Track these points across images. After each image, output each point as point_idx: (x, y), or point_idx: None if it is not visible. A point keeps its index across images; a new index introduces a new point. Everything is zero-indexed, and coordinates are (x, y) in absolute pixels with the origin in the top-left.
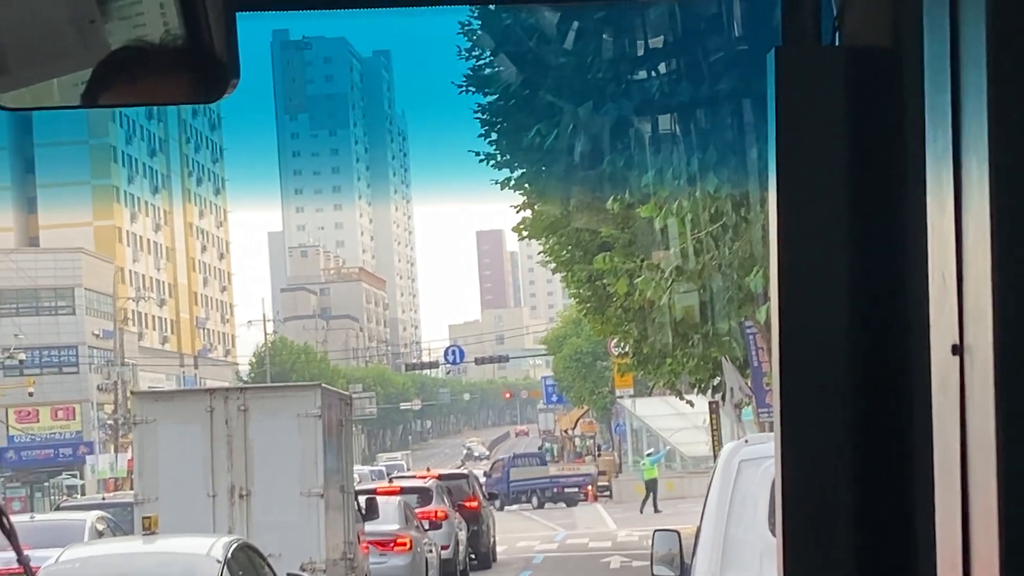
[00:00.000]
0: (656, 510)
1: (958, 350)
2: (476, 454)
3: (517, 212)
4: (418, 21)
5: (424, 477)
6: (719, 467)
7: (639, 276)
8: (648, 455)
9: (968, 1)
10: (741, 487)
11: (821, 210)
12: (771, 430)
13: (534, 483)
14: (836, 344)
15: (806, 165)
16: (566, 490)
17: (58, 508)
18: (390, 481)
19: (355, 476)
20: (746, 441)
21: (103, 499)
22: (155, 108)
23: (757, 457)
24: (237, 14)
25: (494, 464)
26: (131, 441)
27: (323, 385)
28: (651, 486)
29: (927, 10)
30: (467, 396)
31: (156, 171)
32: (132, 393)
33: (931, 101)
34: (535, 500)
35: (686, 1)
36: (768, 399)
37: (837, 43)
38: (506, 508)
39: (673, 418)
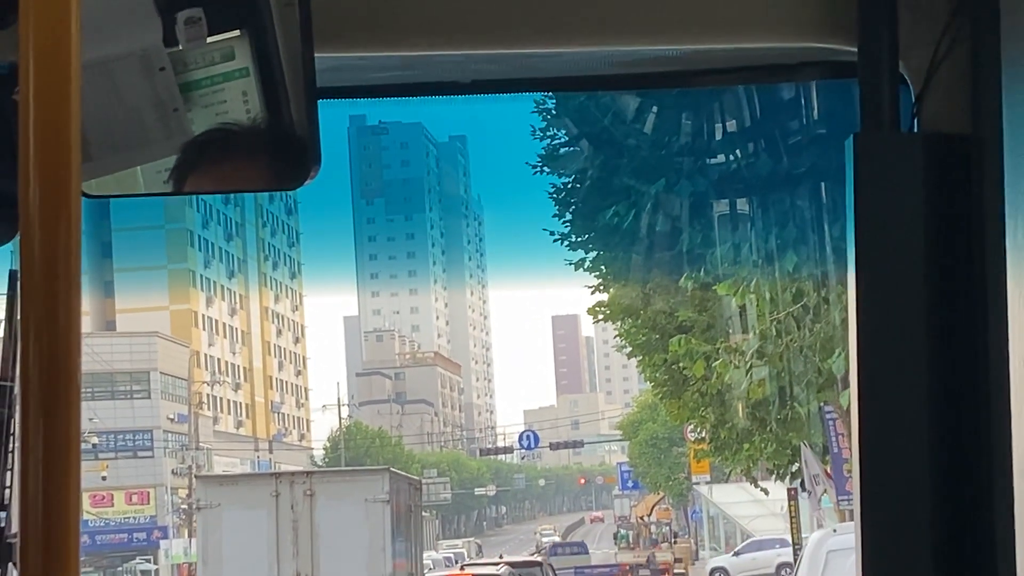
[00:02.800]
0: None
1: None
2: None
3: (592, 293)
4: (494, 105)
5: (497, 564)
6: (806, 556)
7: (716, 359)
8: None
9: None
10: None
11: (901, 295)
12: (851, 518)
13: (574, 573)
14: (917, 431)
15: (885, 250)
16: None
17: None
18: (461, 569)
19: (428, 562)
20: (834, 531)
21: None
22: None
23: (845, 548)
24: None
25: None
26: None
27: (391, 469)
28: None
29: (1007, 96)
30: (542, 482)
31: (232, 255)
32: (196, 477)
33: (1011, 188)
34: None
35: (764, 85)
36: (848, 486)
37: (916, 129)
38: None
39: (750, 505)
